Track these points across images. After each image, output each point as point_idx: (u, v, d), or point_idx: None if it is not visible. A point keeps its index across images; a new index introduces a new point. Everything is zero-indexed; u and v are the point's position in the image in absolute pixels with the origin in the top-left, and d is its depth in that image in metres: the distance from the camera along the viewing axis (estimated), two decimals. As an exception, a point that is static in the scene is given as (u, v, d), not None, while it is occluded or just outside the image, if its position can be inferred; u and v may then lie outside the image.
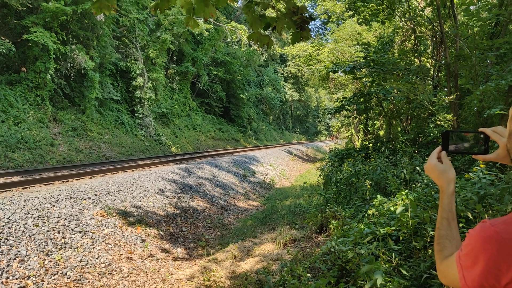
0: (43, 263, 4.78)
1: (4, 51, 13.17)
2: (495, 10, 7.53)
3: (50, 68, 14.58)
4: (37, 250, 4.94)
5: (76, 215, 6.25)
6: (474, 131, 1.17)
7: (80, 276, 4.85)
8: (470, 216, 3.16)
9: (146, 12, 21.37)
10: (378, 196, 4.57)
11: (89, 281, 4.84)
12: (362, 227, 3.71)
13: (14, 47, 13.56)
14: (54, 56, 14.74)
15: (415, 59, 11.46)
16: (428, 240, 3.26)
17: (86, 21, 16.39)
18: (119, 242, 6.12)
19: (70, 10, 14.63)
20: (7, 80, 14.19)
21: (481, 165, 3.72)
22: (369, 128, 15.77)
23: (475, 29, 8.73)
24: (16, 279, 4.32)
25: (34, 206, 6.01)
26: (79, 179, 9.46)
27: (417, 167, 5.76)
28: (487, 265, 0.85)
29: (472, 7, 9.25)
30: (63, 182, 8.92)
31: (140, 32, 21.12)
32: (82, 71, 16.16)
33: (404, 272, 2.96)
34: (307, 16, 2.56)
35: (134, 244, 6.27)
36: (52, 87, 15.21)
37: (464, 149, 1.20)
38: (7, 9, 14.30)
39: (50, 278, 4.59)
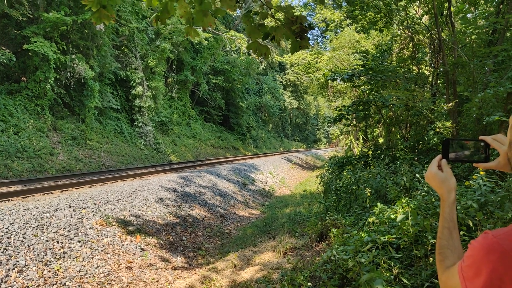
0: (42, 273, 4.74)
1: (5, 61, 13.22)
2: (492, 18, 7.60)
3: (50, 77, 14.62)
4: (36, 260, 4.91)
5: (75, 225, 6.22)
6: (474, 139, 1.17)
7: (79, 286, 4.82)
8: (471, 224, 3.16)
9: (145, 21, 21.50)
10: (378, 204, 4.57)
11: (88, 292, 4.81)
12: (362, 235, 3.70)
13: (15, 57, 13.62)
14: (54, 65, 14.80)
15: (414, 67, 11.52)
16: (429, 248, 3.24)
17: (86, 31, 16.48)
18: (119, 251, 6.09)
19: (70, 20, 14.72)
20: (7, 90, 14.22)
21: (481, 172, 3.72)
22: (369, 136, 15.80)
23: (473, 37, 8.80)
24: (15, 289, 4.29)
25: (33, 215, 5.99)
26: (78, 188, 9.44)
27: (417, 175, 5.75)
28: (490, 277, 0.84)
29: (469, 15, 9.33)
30: (62, 191, 8.89)
31: (139, 41, 21.23)
32: (82, 81, 16.21)
33: (405, 280, 2.95)
34: (306, 25, 2.58)
35: (133, 253, 6.24)
36: (52, 96, 15.24)
37: (464, 157, 1.20)
38: (8, 20, 14.39)
39: (49, 288, 4.55)
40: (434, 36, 9.46)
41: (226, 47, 29.97)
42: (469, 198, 3.37)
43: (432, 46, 10.50)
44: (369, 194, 6.30)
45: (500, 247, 0.85)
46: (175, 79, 26.75)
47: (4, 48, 13.54)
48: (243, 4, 31.91)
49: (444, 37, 9.35)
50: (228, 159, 22.10)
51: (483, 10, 9.18)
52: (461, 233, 3.07)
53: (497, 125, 5.91)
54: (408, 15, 11.01)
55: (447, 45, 8.96)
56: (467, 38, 9.05)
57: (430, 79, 10.64)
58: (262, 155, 29.41)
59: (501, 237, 0.87)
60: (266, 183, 16.16)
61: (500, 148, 1.10)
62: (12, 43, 14.66)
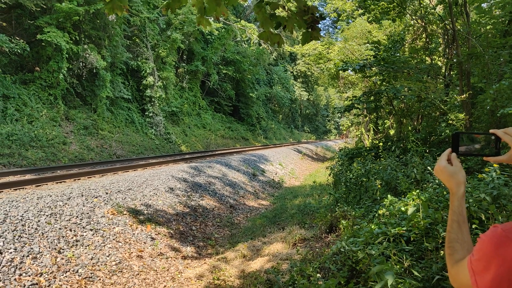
0: (55, 260, 4.85)
1: (19, 51, 13.38)
2: (508, 7, 7.41)
3: (63, 67, 14.77)
4: (49, 248, 5.02)
5: (88, 213, 6.32)
6: (485, 132, 1.16)
7: (91, 273, 4.91)
8: (483, 218, 3.13)
9: (156, 11, 21.50)
10: (389, 196, 4.54)
11: (100, 279, 4.90)
12: (372, 227, 3.69)
13: (28, 47, 13.77)
14: (67, 55, 14.93)
15: (426, 58, 11.34)
16: (440, 241, 3.22)
17: (98, 21, 16.56)
18: (130, 240, 6.18)
19: (82, 10, 14.80)
20: (21, 80, 14.42)
21: (494, 165, 3.67)
22: (379, 127, 15.66)
23: (488, 27, 8.60)
24: (29, 276, 4.39)
25: (47, 204, 6.10)
26: (90, 177, 9.57)
27: (428, 167, 5.70)
28: (500, 271, 0.84)
29: (484, 5, 9.11)
30: (75, 180, 9.03)
31: (150, 31, 21.25)
32: (94, 70, 16.34)
33: (415, 273, 2.94)
34: (318, 16, 2.55)
35: (144, 242, 6.33)
36: (65, 86, 15.41)
37: (474, 151, 1.19)
38: (22, 10, 14.52)
39: (62, 275, 4.65)
40: (448, 26, 9.28)
41: (237, 37, 29.84)
42: (482, 191, 3.33)
43: (446, 37, 10.30)
44: (379, 186, 6.27)
45: (509, 241, 0.85)
46: (185, 69, 26.78)
47: (18, 38, 13.69)
48: (254, -6, 31.64)
49: (458, 27, 9.17)
50: (238, 150, 22.15)
51: (500, -1, 8.96)
52: (474, 226, 3.05)
53: (511, 117, 5.81)
54: (421, 5, 10.80)
55: (461, 35, 8.78)
56: (482, 28, 8.86)
57: (443, 70, 10.47)
58: (272, 146, 29.40)
59: (511, 231, 0.86)
60: (275, 174, 16.18)
61: (511, 142, 1.08)
62: (26, 33, 14.81)
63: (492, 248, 0.87)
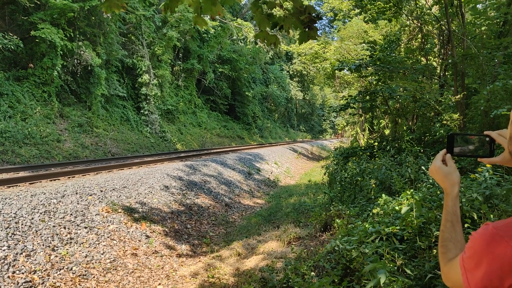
0: (49, 258, 4.83)
1: (12, 47, 13.27)
2: (503, 8, 7.47)
3: (57, 64, 14.66)
4: (43, 245, 4.99)
5: (82, 211, 6.30)
6: (480, 134, 1.18)
7: (85, 271, 4.90)
8: (476, 217, 3.16)
9: (152, 9, 21.41)
10: (383, 195, 4.57)
11: (94, 277, 4.89)
12: (366, 226, 3.72)
13: (22, 43, 13.66)
14: (61, 52, 14.83)
15: (422, 58, 11.39)
16: (433, 240, 3.25)
17: (93, 18, 16.46)
18: (124, 238, 6.17)
19: (77, 7, 14.70)
20: (14, 76, 14.30)
21: (488, 165, 3.70)
22: (375, 127, 15.72)
23: (483, 28, 8.66)
24: (23, 273, 4.37)
25: (41, 201, 6.07)
26: (85, 175, 9.52)
27: (422, 167, 5.74)
28: (491, 268, 0.85)
29: (479, 6, 9.18)
30: (69, 178, 8.99)
31: (146, 29, 21.16)
32: (89, 68, 16.24)
33: (408, 271, 2.96)
34: (315, 16, 2.56)
35: (139, 240, 6.32)
36: (59, 83, 15.30)
37: (469, 152, 1.20)
38: (15, 6, 14.40)
39: (56, 273, 4.64)
40: (443, 27, 9.33)
41: (233, 36, 29.81)
42: (474, 191, 3.36)
43: (441, 37, 10.35)
44: (374, 185, 6.31)
45: (500, 238, 0.86)
46: (181, 68, 26.70)
47: (11, 34, 13.58)
48: (250, -8, 31.61)
49: (454, 28, 9.21)
50: (233, 149, 22.14)
51: (494, 1, 9.02)
52: (466, 225, 3.08)
53: (505, 118, 5.85)
54: (417, 5, 10.85)
55: (457, 36, 8.83)
56: (477, 29, 8.92)
57: (438, 71, 10.52)
58: (267, 145, 29.41)
59: (501, 228, 0.88)
60: (271, 173, 16.19)
61: (505, 143, 1.10)
62: (20, 30, 14.69)
63: (484, 246, 0.88)
